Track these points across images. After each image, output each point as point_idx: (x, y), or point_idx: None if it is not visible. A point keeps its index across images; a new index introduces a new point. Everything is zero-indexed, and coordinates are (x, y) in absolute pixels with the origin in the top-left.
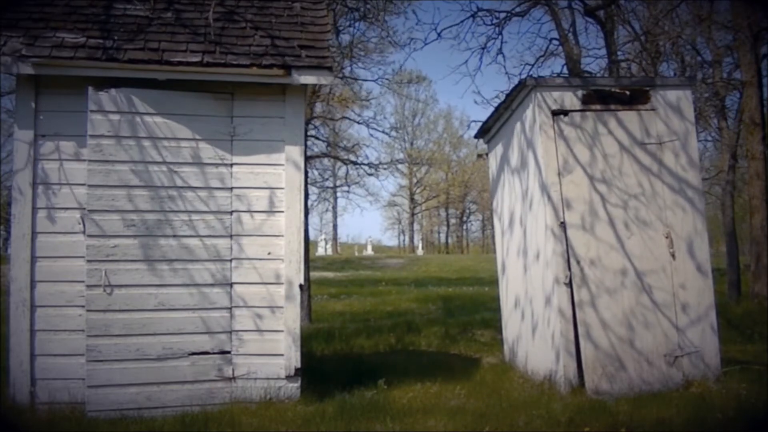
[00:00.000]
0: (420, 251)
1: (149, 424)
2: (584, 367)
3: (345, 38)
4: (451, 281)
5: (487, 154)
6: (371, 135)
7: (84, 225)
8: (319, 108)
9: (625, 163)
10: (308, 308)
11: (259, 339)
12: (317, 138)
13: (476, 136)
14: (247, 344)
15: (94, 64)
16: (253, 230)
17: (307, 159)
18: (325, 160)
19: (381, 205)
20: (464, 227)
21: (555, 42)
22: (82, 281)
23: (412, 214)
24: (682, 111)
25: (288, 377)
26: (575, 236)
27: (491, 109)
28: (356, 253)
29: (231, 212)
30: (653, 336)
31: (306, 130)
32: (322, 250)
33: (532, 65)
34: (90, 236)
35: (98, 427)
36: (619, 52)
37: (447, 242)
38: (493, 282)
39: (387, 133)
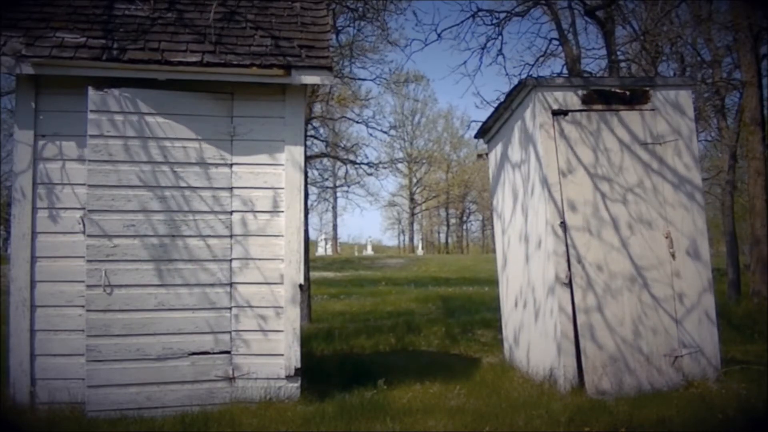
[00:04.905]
0: (420, 251)
1: (149, 424)
2: (584, 367)
3: (344, 38)
4: (450, 281)
5: (487, 154)
6: (371, 134)
7: (84, 225)
8: (318, 108)
9: (626, 162)
10: (308, 308)
11: (258, 339)
12: (317, 138)
13: (476, 136)
14: (247, 344)
15: (94, 64)
16: (253, 230)
17: (307, 159)
18: (325, 160)
19: (381, 205)
20: (464, 227)
21: (555, 42)
22: (82, 281)
23: (412, 214)
24: (683, 110)
25: (288, 377)
26: (578, 237)
27: (491, 110)
28: (356, 253)
29: (231, 212)
30: (654, 336)
31: (306, 130)
32: (322, 250)
33: (532, 65)
34: (90, 236)
35: (98, 427)
36: (618, 52)
37: (447, 242)
38: (493, 282)
39: (386, 133)
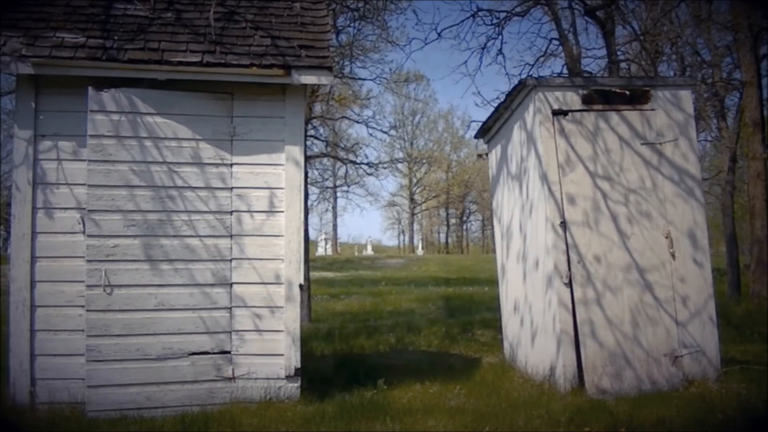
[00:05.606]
0: (420, 251)
1: (149, 424)
2: (584, 367)
3: (344, 38)
4: (450, 281)
5: (487, 154)
6: (371, 134)
7: (84, 225)
8: (318, 108)
9: (627, 162)
10: (308, 308)
11: (259, 339)
12: (317, 138)
13: (476, 136)
14: (247, 344)
15: (94, 64)
16: (253, 230)
17: (307, 159)
18: (325, 160)
19: (381, 205)
20: (464, 227)
21: (555, 42)
22: (82, 281)
23: (412, 214)
24: (683, 110)
25: (288, 377)
26: (578, 234)
27: (491, 110)
28: (356, 253)
29: (231, 212)
30: (654, 334)
31: (305, 130)
32: (322, 250)
33: (532, 65)
34: (90, 236)
35: (98, 427)
36: (618, 52)
37: (447, 242)
38: (493, 282)
39: (386, 133)
